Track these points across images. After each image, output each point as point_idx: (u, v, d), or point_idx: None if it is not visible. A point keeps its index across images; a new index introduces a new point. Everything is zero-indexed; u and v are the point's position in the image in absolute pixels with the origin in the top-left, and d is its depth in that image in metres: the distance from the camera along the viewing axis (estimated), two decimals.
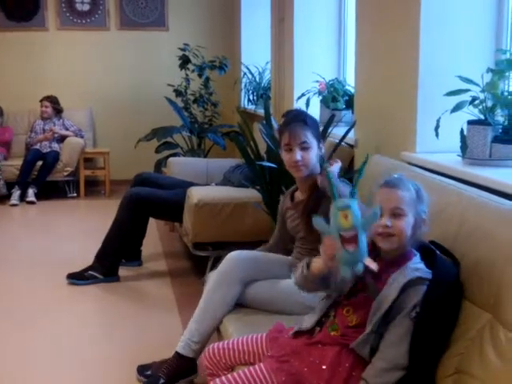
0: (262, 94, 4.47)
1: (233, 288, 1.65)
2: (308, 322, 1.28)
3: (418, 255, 1.20)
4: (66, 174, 4.71)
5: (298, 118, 1.67)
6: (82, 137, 4.84)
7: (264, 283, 1.68)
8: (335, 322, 1.23)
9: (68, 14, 5.12)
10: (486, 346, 1.06)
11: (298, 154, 1.63)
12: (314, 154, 1.65)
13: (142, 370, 1.86)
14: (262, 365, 1.24)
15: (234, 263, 1.68)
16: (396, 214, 1.16)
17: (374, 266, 1.10)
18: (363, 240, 1.08)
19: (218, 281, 1.67)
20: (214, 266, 1.80)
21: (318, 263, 1.22)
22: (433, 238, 1.27)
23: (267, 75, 4.47)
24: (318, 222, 1.10)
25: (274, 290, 1.67)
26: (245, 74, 4.63)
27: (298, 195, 1.74)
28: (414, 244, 1.20)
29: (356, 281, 1.22)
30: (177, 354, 1.70)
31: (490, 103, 1.67)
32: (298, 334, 1.28)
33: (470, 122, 1.70)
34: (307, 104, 2.96)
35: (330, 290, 1.26)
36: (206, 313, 1.66)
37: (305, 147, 1.63)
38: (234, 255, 1.71)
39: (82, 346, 2.16)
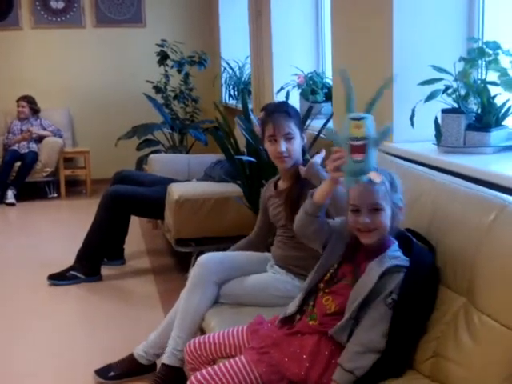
0: (243, 88, 4.46)
1: (208, 291, 1.65)
2: (290, 308, 1.29)
3: (396, 243, 1.22)
4: (45, 174, 4.64)
5: (280, 109, 1.68)
6: (60, 136, 4.77)
7: (236, 281, 1.68)
8: (314, 312, 1.24)
9: (42, 12, 5.03)
10: (460, 330, 1.08)
11: (283, 146, 1.63)
12: (297, 144, 1.66)
13: (104, 373, 1.86)
14: (242, 357, 1.25)
15: (205, 267, 1.67)
16: (373, 209, 1.17)
17: (377, 178, 1.09)
18: (372, 153, 1.07)
19: (193, 286, 1.67)
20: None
21: (321, 189, 1.23)
22: (409, 226, 1.29)
23: (247, 70, 4.46)
24: (328, 130, 1.09)
25: (247, 287, 1.67)
26: (225, 69, 4.61)
27: (281, 184, 1.75)
28: (393, 232, 1.22)
29: (337, 269, 1.23)
30: (163, 365, 1.70)
31: (462, 92, 1.69)
32: (282, 322, 1.29)
33: (443, 111, 1.72)
34: (287, 97, 2.96)
35: (323, 242, 1.27)
36: (186, 319, 1.66)
37: (289, 138, 1.64)
38: (204, 259, 1.70)
39: (65, 346, 2.14)
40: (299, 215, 1.31)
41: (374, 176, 1.08)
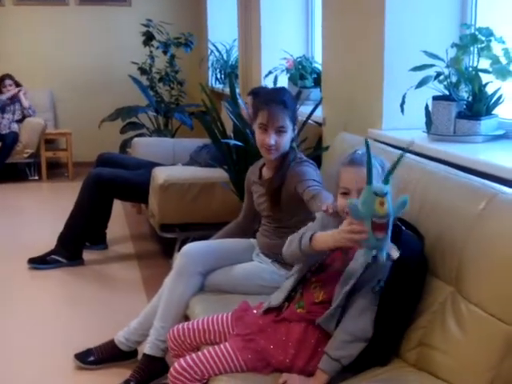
0: (230, 72, 4.39)
1: (192, 281, 1.63)
2: (276, 299, 1.27)
3: None
4: (26, 155, 4.53)
5: (278, 98, 1.61)
6: (29, 116, 4.61)
7: (221, 271, 1.66)
8: (302, 300, 1.22)
9: None
10: (448, 319, 1.07)
11: (273, 139, 1.59)
12: (287, 138, 1.62)
13: (83, 357, 1.83)
14: (227, 344, 1.23)
15: (189, 258, 1.64)
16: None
17: (395, 254, 1.08)
18: (391, 227, 1.07)
19: (177, 277, 1.63)
20: (181, 248, 1.77)
21: (325, 241, 1.16)
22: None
23: (235, 53, 4.38)
24: (352, 205, 1.05)
25: (232, 276, 1.65)
26: (212, 51, 4.52)
27: (265, 172, 1.72)
28: None
29: (325, 256, 1.21)
30: (145, 356, 1.67)
31: (454, 79, 1.67)
32: (268, 311, 1.27)
33: (434, 98, 1.70)
34: (275, 82, 2.90)
35: (306, 265, 1.25)
36: (169, 309, 1.63)
37: (280, 131, 1.60)
38: (188, 249, 1.67)
39: (47, 331, 2.10)
40: (293, 246, 1.25)
41: (393, 252, 1.08)
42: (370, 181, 1.06)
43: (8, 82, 4.56)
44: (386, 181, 1.07)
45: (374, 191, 1.05)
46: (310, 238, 1.19)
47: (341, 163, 1.22)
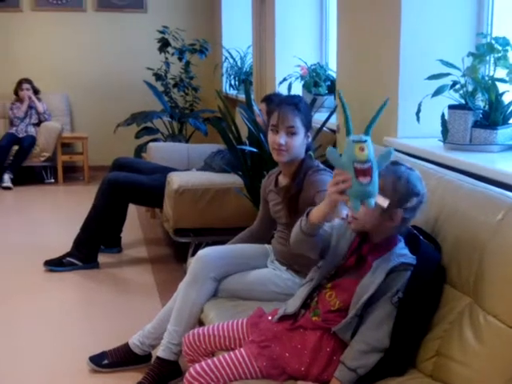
0: (244, 78, 4.42)
1: (206, 287, 1.64)
2: (292, 306, 1.27)
3: (403, 240, 1.20)
4: (42, 159, 4.61)
5: (290, 101, 1.63)
6: (45, 119, 4.69)
7: (235, 277, 1.67)
8: (317, 308, 1.22)
9: None
10: (465, 329, 1.07)
11: (283, 138, 1.60)
12: (299, 140, 1.62)
13: (97, 360, 1.85)
14: (242, 350, 1.24)
15: (204, 263, 1.65)
16: None
17: (384, 202, 1.07)
18: (376, 175, 1.06)
19: (191, 281, 1.65)
20: (194, 253, 1.79)
21: (318, 209, 1.18)
22: (414, 223, 1.27)
23: (249, 60, 4.41)
24: (330, 152, 1.06)
25: (246, 282, 1.66)
26: (226, 58, 4.56)
27: (282, 180, 1.72)
28: (401, 230, 1.20)
29: (340, 264, 1.22)
30: (158, 358, 1.69)
31: (470, 88, 1.67)
32: (282, 318, 1.27)
33: (450, 107, 1.70)
34: (289, 89, 2.93)
35: (316, 250, 1.24)
36: (182, 314, 1.65)
37: (291, 132, 1.60)
38: (203, 254, 1.68)
39: (60, 332, 2.13)
40: (295, 230, 1.27)
41: (380, 200, 1.07)
42: (348, 131, 1.08)
43: (25, 85, 4.64)
44: (366, 132, 1.08)
45: (353, 139, 1.06)
46: (307, 214, 1.21)
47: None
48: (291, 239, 1.29)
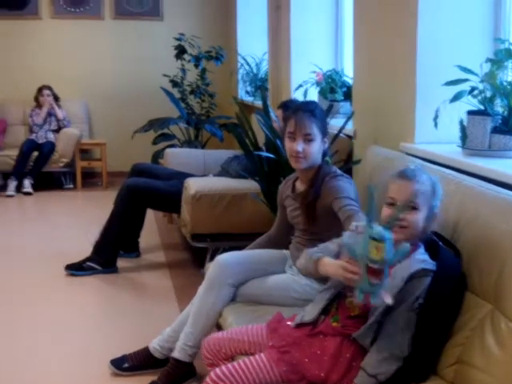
0: (260, 85, 4.45)
1: (224, 292, 1.66)
2: (310, 314, 1.28)
3: (423, 246, 1.21)
4: (61, 164, 4.69)
5: (307, 108, 1.65)
6: (65, 126, 4.77)
7: (253, 282, 1.68)
8: (337, 314, 1.23)
9: (61, 3, 5.06)
10: (487, 336, 1.07)
11: (300, 146, 1.61)
12: (316, 147, 1.63)
13: (118, 363, 1.88)
14: (262, 355, 1.25)
15: (222, 268, 1.67)
16: (409, 206, 1.15)
17: (389, 300, 1.06)
18: (387, 274, 1.04)
19: (209, 287, 1.67)
20: (212, 258, 1.80)
21: (327, 269, 1.19)
22: (434, 229, 1.27)
23: (264, 66, 4.44)
24: (347, 243, 1.05)
25: (265, 288, 1.67)
26: (242, 65, 4.60)
27: (299, 186, 1.73)
28: (422, 236, 1.20)
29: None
30: (173, 359, 1.71)
31: (489, 93, 1.66)
32: (302, 324, 1.28)
33: (469, 113, 1.70)
34: (305, 95, 2.94)
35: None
36: (200, 317, 1.67)
37: (308, 139, 1.62)
38: (221, 260, 1.69)
39: (80, 335, 2.16)
40: (303, 263, 1.30)
41: (386, 297, 1.05)
42: (369, 222, 1.04)
43: (46, 91, 4.73)
44: (389, 227, 1.05)
45: (372, 236, 1.02)
46: (317, 261, 1.23)
47: (390, 176, 1.23)
48: (300, 264, 1.33)
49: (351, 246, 1.05)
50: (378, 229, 1.04)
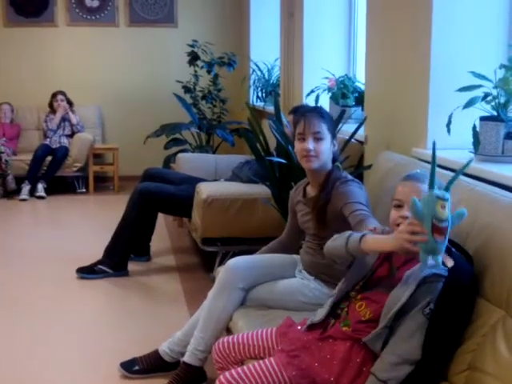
0: (271, 90, 4.46)
1: (234, 297, 1.66)
2: (319, 314, 1.28)
3: None
4: (75, 169, 4.75)
5: (314, 110, 1.68)
6: (78, 131, 4.83)
7: (263, 286, 1.68)
8: (347, 318, 1.23)
9: (77, 10, 5.14)
10: (498, 343, 1.05)
11: (311, 144, 1.61)
12: (326, 146, 1.63)
13: (128, 366, 1.88)
14: (272, 359, 1.25)
15: (232, 273, 1.67)
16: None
17: (450, 262, 1.08)
18: (448, 235, 1.07)
19: (219, 291, 1.67)
20: (222, 262, 1.81)
21: (377, 242, 1.16)
22: None
23: (276, 72, 4.46)
24: (414, 203, 1.05)
25: (275, 292, 1.67)
26: (253, 70, 4.62)
27: (310, 190, 1.74)
28: None
29: (369, 275, 1.22)
30: (184, 363, 1.72)
31: (502, 99, 1.65)
32: (312, 327, 1.28)
33: (482, 119, 1.69)
34: (316, 101, 2.94)
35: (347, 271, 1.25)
36: (210, 321, 1.67)
37: (318, 138, 1.62)
38: (232, 264, 1.70)
39: (93, 338, 2.18)
40: (338, 243, 1.24)
41: (447, 260, 1.08)
42: (432, 184, 1.06)
43: (60, 97, 4.80)
44: (446, 188, 1.08)
45: (437, 195, 1.05)
46: (361, 238, 1.19)
47: (399, 179, 1.23)
48: (328, 246, 1.30)
49: (416, 205, 1.06)
50: (441, 191, 1.07)
